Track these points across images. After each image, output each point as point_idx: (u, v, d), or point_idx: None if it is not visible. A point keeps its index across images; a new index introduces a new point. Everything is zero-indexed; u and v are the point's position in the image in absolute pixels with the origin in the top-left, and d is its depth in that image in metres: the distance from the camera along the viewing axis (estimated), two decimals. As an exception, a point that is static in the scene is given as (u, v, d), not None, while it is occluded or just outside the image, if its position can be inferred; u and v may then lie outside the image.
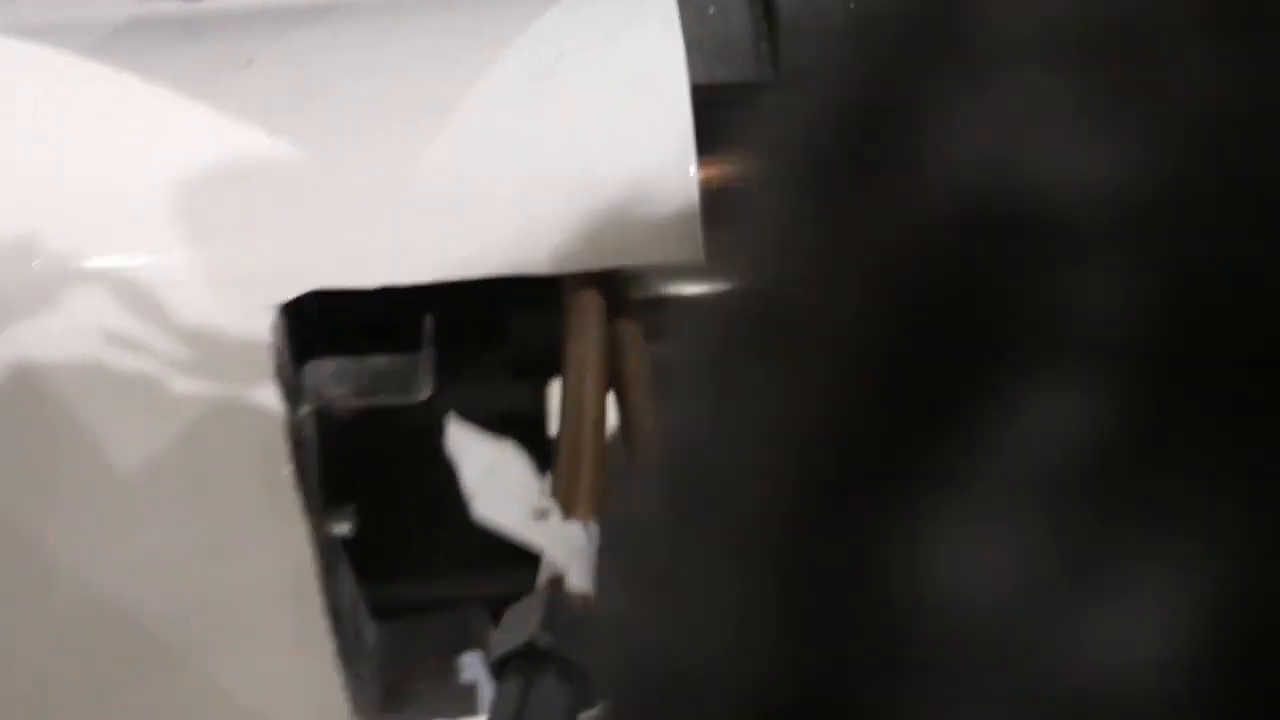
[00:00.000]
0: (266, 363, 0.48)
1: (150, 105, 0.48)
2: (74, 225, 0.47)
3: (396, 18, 0.49)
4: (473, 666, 0.57)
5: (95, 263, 0.47)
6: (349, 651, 0.54)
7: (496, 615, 0.57)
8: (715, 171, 0.47)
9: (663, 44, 0.48)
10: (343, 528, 0.52)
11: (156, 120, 0.48)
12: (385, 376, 0.50)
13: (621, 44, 0.48)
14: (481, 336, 0.54)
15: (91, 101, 0.48)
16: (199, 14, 0.50)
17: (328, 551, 0.52)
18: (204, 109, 0.47)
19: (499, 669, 0.39)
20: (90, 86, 0.48)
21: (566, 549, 0.41)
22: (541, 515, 0.41)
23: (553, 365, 0.49)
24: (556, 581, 0.40)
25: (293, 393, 0.49)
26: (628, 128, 0.47)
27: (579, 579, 0.40)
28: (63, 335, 0.47)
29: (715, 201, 0.46)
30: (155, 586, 0.51)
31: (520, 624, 0.40)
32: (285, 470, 0.49)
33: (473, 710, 0.56)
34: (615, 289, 0.49)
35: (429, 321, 0.51)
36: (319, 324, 0.50)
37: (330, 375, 0.50)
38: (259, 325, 0.47)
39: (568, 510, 0.42)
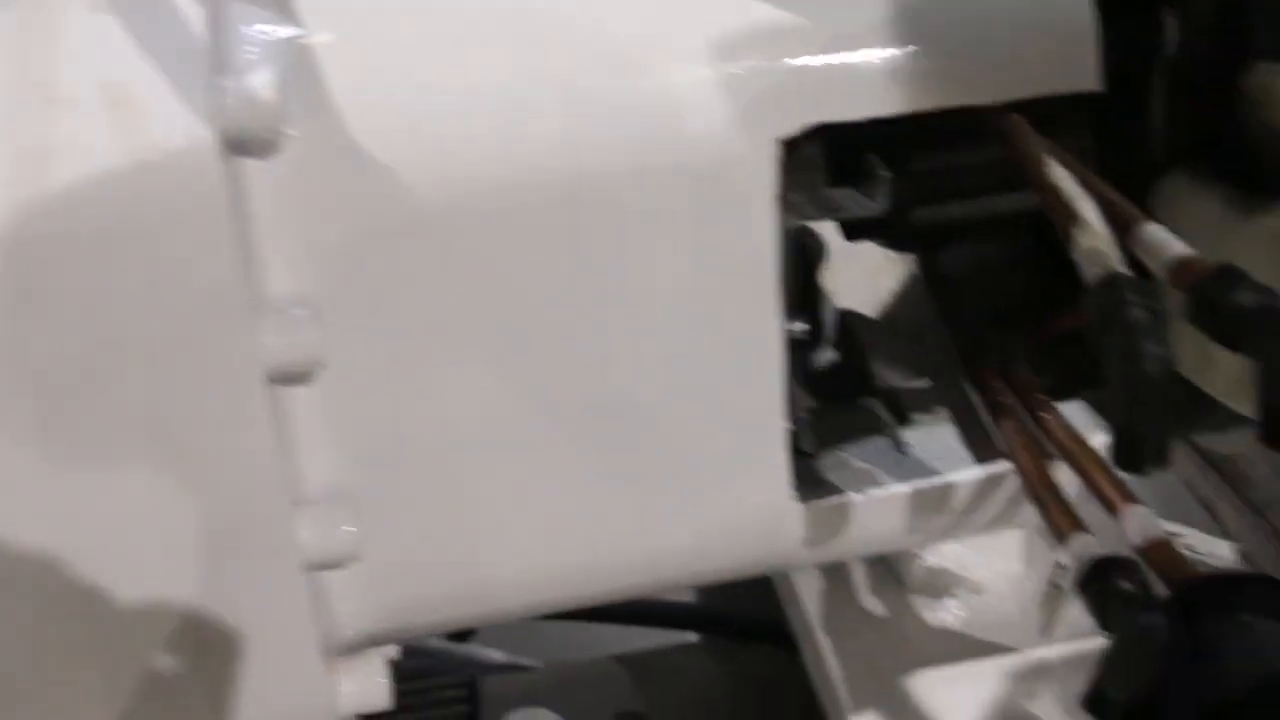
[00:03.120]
0: (771, 190, 0.61)
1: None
2: (607, 81, 0.61)
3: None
4: (880, 451, 0.72)
5: (630, 113, 0.61)
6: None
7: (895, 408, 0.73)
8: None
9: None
10: (799, 330, 0.67)
11: None
12: (843, 199, 0.65)
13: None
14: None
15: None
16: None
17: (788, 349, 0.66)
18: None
19: (1103, 327, 0.51)
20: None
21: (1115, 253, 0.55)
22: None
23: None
24: (1111, 271, 0.54)
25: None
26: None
27: (1123, 268, 0.54)
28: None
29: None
30: (651, 377, 0.65)
31: (1106, 295, 0.52)
32: (773, 278, 0.63)
33: (878, 484, 0.70)
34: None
35: (873, 156, 0.65)
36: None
37: (797, 202, 0.64)
38: (768, 158, 0.61)
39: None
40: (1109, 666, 0.56)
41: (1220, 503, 0.95)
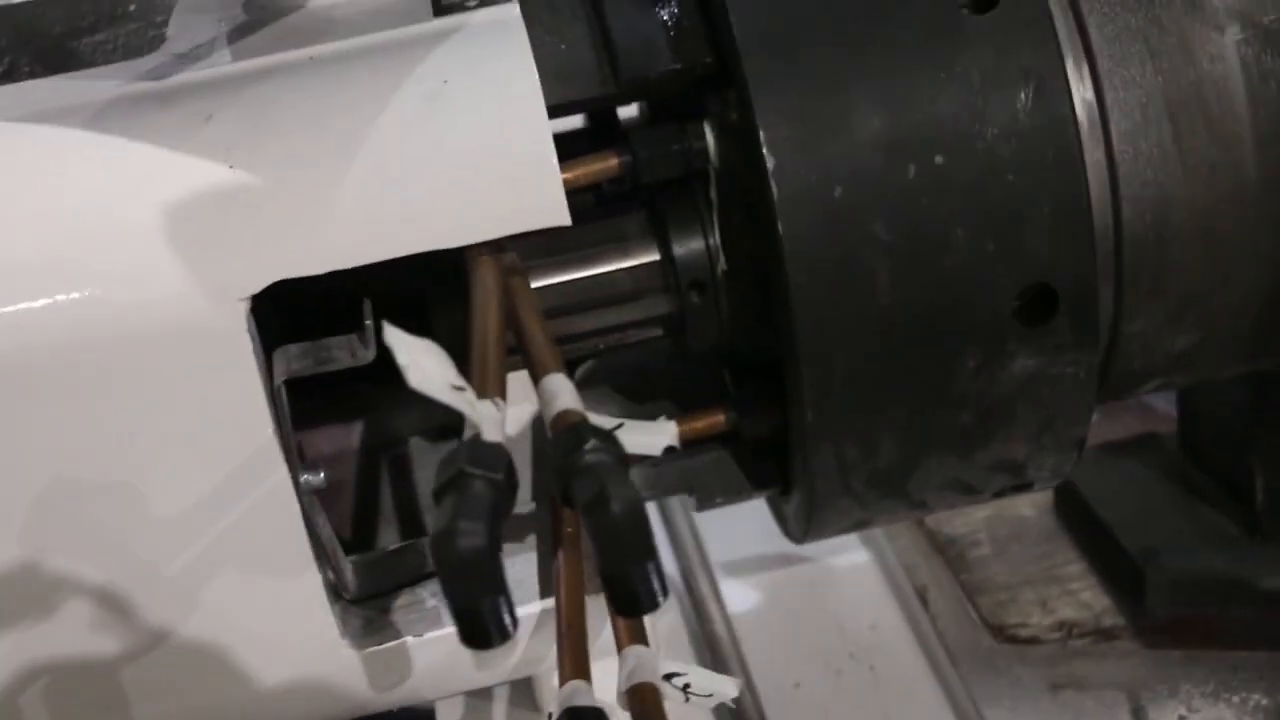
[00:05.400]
0: (248, 347, 0.61)
1: (135, 158, 0.61)
2: (73, 254, 0.61)
3: (321, 67, 0.64)
4: (438, 593, 0.70)
5: (96, 284, 0.60)
6: (335, 587, 0.67)
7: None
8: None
9: (519, 67, 0.63)
10: (317, 480, 0.66)
11: (139, 168, 0.61)
12: (338, 349, 0.64)
13: (489, 68, 0.63)
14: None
15: (86, 160, 0.61)
16: (168, 88, 0.64)
17: (308, 502, 0.65)
18: (178, 155, 0.60)
19: (437, 497, 0.50)
20: (83, 150, 0.61)
21: (484, 416, 0.53)
22: (460, 389, 0.54)
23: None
24: (475, 436, 0.52)
25: (269, 370, 0.62)
26: (499, 131, 0.63)
27: (493, 435, 0.53)
28: (81, 343, 0.60)
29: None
30: (172, 547, 0.64)
31: (450, 464, 0.51)
32: (269, 433, 0.62)
33: (440, 625, 0.69)
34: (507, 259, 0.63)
35: (366, 303, 0.64)
36: (279, 323, 0.64)
37: (294, 354, 0.64)
38: (238, 317, 0.60)
39: (481, 391, 0.55)
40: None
41: (934, 589, 0.93)
